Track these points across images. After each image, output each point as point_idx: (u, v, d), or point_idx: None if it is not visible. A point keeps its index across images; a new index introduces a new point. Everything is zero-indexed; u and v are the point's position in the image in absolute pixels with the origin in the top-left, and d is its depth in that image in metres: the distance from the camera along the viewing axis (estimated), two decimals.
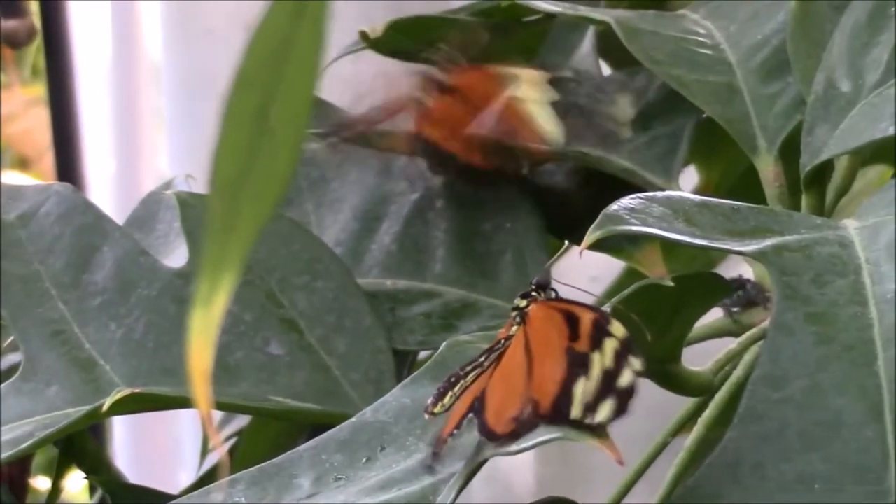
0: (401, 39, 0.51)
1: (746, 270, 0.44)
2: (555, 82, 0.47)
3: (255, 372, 0.46)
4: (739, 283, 0.43)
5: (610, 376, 0.32)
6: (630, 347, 0.32)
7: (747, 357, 0.41)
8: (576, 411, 0.32)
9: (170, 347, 0.46)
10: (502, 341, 0.35)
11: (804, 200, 0.44)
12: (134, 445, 0.89)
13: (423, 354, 0.49)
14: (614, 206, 0.34)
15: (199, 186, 0.52)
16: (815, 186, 0.44)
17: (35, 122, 1.11)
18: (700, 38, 0.48)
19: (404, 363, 0.49)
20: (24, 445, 0.44)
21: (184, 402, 0.44)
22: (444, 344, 0.39)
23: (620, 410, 0.31)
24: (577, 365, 0.32)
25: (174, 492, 0.46)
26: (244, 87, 0.24)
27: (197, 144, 0.75)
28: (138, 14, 0.90)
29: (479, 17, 0.52)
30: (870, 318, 0.32)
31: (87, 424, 0.46)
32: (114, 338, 0.47)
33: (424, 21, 0.52)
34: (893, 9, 0.41)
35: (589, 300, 0.37)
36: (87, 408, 0.44)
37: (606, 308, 0.35)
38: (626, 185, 0.46)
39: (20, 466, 0.54)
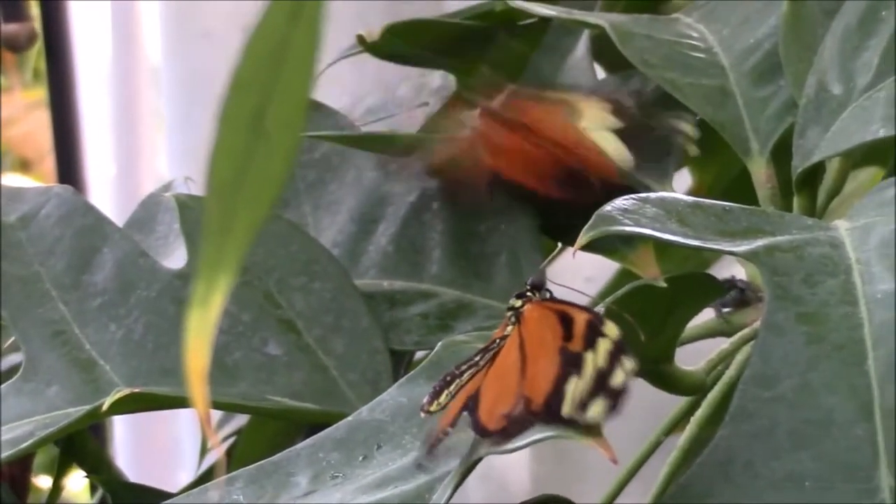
0: (397, 43, 0.51)
1: (739, 271, 0.45)
2: (615, 107, 0.47)
3: (253, 372, 0.46)
4: (732, 283, 0.43)
5: (603, 375, 0.32)
6: (623, 348, 0.32)
7: (739, 357, 0.41)
8: (567, 408, 0.32)
9: (169, 348, 0.46)
10: (497, 341, 0.35)
11: (796, 202, 0.44)
12: (134, 445, 0.89)
13: (419, 354, 0.49)
14: (608, 207, 0.34)
15: (198, 188, 0.52)
16: (806, 188, 0.44)
17: (36, 125, 1.11)
18: (693, 42, 0.48)
19: (401, 363, 0.49)
20: (24, 445, 0.44)
21: (183, 402, 0.44)
22: (439, 344, 0.40)
23: (612, 409, 0.32)
24: (570, 364, 0.32)
25: (174, 490, 0.46)
26: (240, 90, 0.24)
27: (196, 146, 0.75)
28: (138, 17, 0.90)
29: (474, 21, 0.52)
30: (860, 317, 0.32)
31: (87, 424, 0.46)
32: (113, 338, 0.47)
33: (421, 25, 0.52)
34: (883, 13, 0.41)
35: (583, 301, 0.37)
36: (87, 407, 0.44)
37: (600, 308, 0.35)
38: (620, 187, 0.47)
39: (21, 465, 0.54)
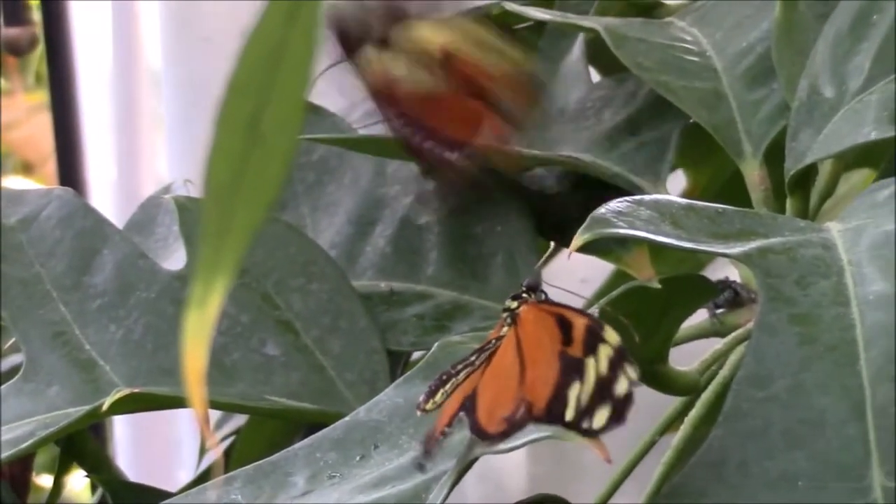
0: None
1: (733, 272, 0.45)
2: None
3: (251, 372, 0.46)
4: (725, 284, 0.44)
5: (605, 383, 0.32)
6: (624, 355, 0.32)
7: (733, 357, 0.41)
8: (570, 414, 0.32)
9: (168, 348, 0.46)
10: (493, 341, 0.35)
11: (789, 204, 0.44)
12: (134, 444, 0.89)
13: (416, 355, 0.50)
14: (602, 210, 0.34)
15: (198, 191, 0.52)
16: (799, 190, 0.44)
17: (37, 129, 1.11)
18: (687, 45, 0.48)
19: (398, 364, 0.49)
20: (24, 444, 0.44)
21: (182, 403, 0.44)
22: (436, 345, 0.40)
23: (617, 418, 0.31)
24: (572, 369, 0.32)
25: (173, 490, 0.46)
26: (237, 94, 0.24)
27: (196, 149, 0.75)
28: (138, 21, 0.90)
29: None
30: (852, 318, 0.32)
31: (87, 424, 0.47)
32: (113, 339, 0.47)
33: None
34: (875, 17, 0.42)
35: (579, 302, 0.37)
36: (87, 407, 0.44)
37: (595, 309, 0.35)
38: (614, 189, 0.47)
39: (22, 465, 0.54)
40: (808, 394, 0.31)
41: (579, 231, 0.34)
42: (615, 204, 0.35)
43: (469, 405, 0.34)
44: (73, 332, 0.47)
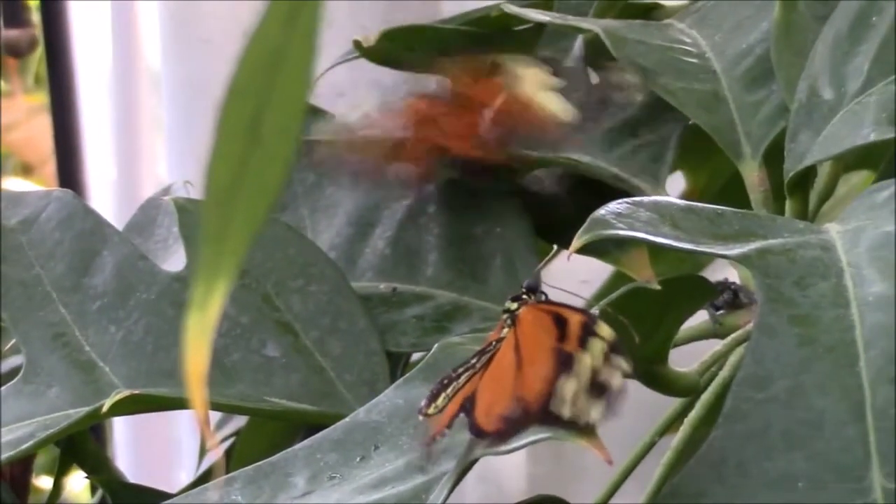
0: (394, 48, 0.51)
1: (732, 274, 0.45)
2: (555, 69, 0.48)
3: (251, 373, 0.46)
4: (725, 285, 0.44)
5: (598, 376, 0.32)
6: (617, 348, 0.32)
7: (732, 358, 0.41)
8: (564, 410, 0.32)
9: (168, 350, 0.46)
10: (493, 343, 0.35)
11: (788, 205, 0.44)
12: (134, 445, 0.89)
13: (416, 356, 0.50)
14: (602, 211, 0.34)
15: (198, 192, 0.52)
16: (798, 191, 0.44)
17: (37, 130, 1.11)
18: (686, 47, 0.48)
19: (397, 365, 0.49)
20: (24, 446, 0.44)
21: (182, 404, 0.44)
22: (436, 346, 0.40)
23: (609, 411, 0.32)
24: (565, 364, 0.32)
25: (174, 491, 0.46)
26: (237, 96, 0.24)
27: (195, 151, 0.75)
28: (138, 23, 0.90)
29: (469, 27, 0.52)
30: (851, 319, 0.32)
31: (87, 425, 0.47)
32: (113, 340, 0.47)
33: (417, 30, 0.52)
34: (874, 18, 0.42)
35: (578, 303, 0.37)
36: (87, 409, 0.44)
37: (595, 311, 0.35)
38: (614, 191, 0.47)
39: (22, 466, 0.54)
40: (807, 395, 0.31)
41: (579, 232, 0.34)
42: (615, 205, 0.35)
43: (468, 406, 0.34)
44: (73, 333, 0.47)
